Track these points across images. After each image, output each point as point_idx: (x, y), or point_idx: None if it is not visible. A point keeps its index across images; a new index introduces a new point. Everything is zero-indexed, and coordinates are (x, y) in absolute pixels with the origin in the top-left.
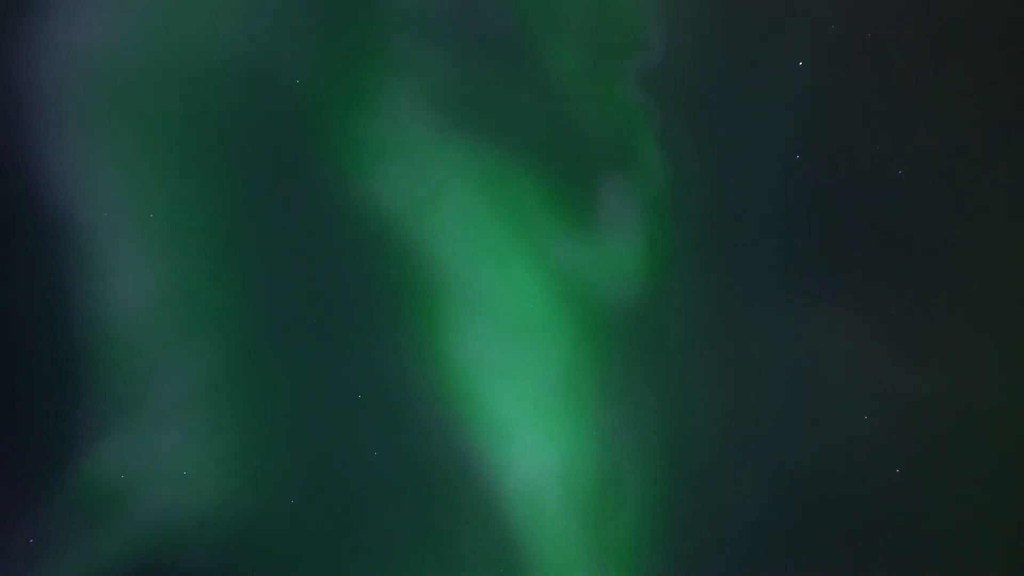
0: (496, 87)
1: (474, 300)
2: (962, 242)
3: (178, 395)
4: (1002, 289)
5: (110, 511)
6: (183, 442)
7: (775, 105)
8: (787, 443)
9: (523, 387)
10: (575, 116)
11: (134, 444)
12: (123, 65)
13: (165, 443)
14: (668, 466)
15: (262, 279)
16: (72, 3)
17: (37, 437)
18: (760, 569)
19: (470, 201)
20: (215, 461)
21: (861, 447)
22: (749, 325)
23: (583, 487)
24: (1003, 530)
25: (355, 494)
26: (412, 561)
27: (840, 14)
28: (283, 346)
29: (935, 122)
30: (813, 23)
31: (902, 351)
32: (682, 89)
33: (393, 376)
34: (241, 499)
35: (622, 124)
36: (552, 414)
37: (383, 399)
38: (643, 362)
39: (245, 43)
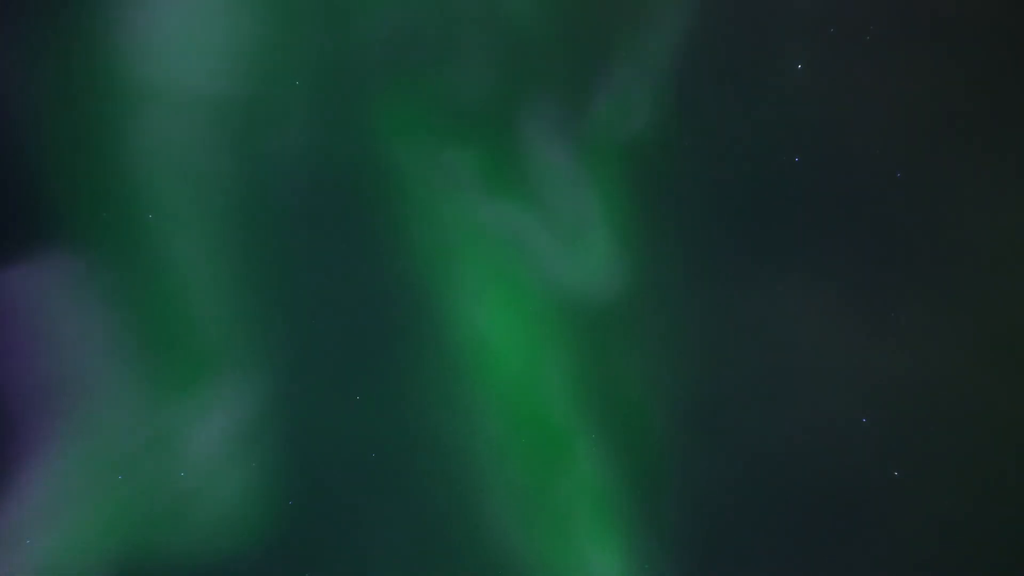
0: (493, 92)
1: (473, 299)
2: (960, 239)
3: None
4: (997, 286)
5: (107, 509)
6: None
7: (773, 105)
8: (771, 432)
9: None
10: (570, 114)
11: (134, 443)
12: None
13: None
14: (654, 455)
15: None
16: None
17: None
18: (745, 558)
19: (465, 205)
20: (216, 462)
21: (850, 441)
22: (734, 316)
23: (576, 484)
24: (989, 518)
25: (358, 496)
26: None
27: (839, 17)
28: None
29: (933, 122)
30: (812, 25)
31: (891, 343)
32: (679, 88)
33: (399, 375)
34: (240, 500)
35: (617, 124)
36: (544, 409)
37: (386, 399)
38: (627, 352)
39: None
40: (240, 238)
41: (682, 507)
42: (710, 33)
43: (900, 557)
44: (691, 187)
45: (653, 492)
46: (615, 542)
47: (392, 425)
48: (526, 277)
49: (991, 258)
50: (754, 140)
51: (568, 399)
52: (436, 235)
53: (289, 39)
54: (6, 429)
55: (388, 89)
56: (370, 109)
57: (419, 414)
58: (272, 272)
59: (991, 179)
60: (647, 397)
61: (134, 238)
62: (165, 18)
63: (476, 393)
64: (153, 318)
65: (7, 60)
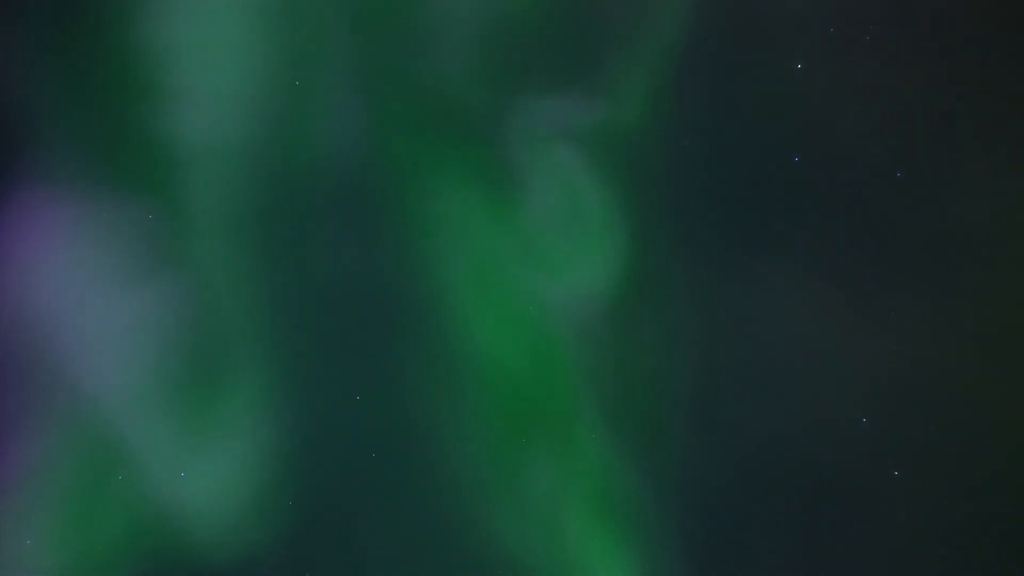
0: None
1: (473, 298)
2: (960, 239)
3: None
4: (997, 285)
5: (107, 510)
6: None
7: (773, 105)
8: (771, 432)
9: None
10: (570, 113)
11: (134, 443)
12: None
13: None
14: (655, 454)
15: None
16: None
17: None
18: (745, 557)
19: (464, 204)
20: (215, 464)
21: (850, 441)
22: (736, 315)
23: (573, 486)
24: (989, 518)
25: (358, 496)
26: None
27: (839, 17)
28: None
29: (933, 122)
30: (812, 25)
31: (891, 343)
32: (679, 87)
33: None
34: (239, 500)
35: (617, 123)
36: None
37: (387, 399)
38: (628, 351)
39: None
40: (239, 238)
41: (682, 506)
42: (710, 32)
43: (900, 556)
44: (691, 186)
45: (654, 491)
46: (616, 540)
47: (393, 425)
48: (526, 275)
49: (991, 258)
50: (754, 139)
51: (569, 397)
52: (436, 234)
53: (294, 39)
54: (5, 429)
55: (388, 89)
56: (371, 110)
57: (420, 414)
58: (270, 272)
59: (991, 179)
60: (648, 395)
61: (137, 234)
62: (178, 16)
63: (476, 392)
64: (154, 319)
65: (27, 53)
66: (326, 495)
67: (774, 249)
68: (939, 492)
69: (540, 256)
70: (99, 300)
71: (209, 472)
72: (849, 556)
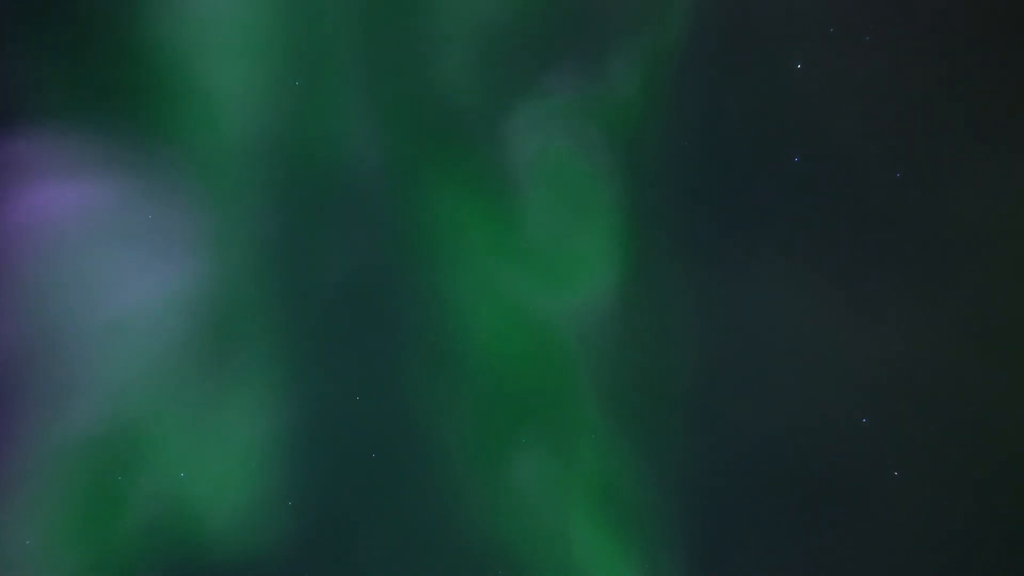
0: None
1: (473, 299)
2: (960, 238)
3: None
4: (998, 285)
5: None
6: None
7: (772, 105)
8: (771, 432)
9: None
10: (568, 112)
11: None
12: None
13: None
14: (655, 454)
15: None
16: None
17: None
18: (745, 557)
19: (463, 204)
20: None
21: (850, 441)
22: (736, 316)
23: (577, 484)
24: (989, 518)
25: (358, 496)
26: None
27: (839, 17)
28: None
29: (933, 122)
30: (812, 25)
31: (892, 343)
32: (678, 87)
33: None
34: (239, 501)
35: (616, 122)
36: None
37: (386, 399)
38: (627, 351)
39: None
40: (237, 239)
41: (682, 506)
42: (709, 31)
43: (900, 556)
44: (691, 186)
45: (654, 491)
46: (616, 540)
47: (393, 425)
48: (526, 275)
49: (991, 258)
50: (754, 139)
51: (569, 397)
52: (438, 234)
53: (299, 40)
54: (5, 428)
55: (391, 91)
56: (374, 111)
57: (420, 414)
58: (270, 273)
59: (991, 179)
60: (648, 395)
61: (139, 233)
62: (189, 17)
63: (476, 392)
64: (155, 319)
65: (34, 50)
66: (326, 496)
67: (774, 248)
68: (939, 492)
69: (541, 256)
70: (100, 301)
71: (208, 472)
72: (849, 556)
